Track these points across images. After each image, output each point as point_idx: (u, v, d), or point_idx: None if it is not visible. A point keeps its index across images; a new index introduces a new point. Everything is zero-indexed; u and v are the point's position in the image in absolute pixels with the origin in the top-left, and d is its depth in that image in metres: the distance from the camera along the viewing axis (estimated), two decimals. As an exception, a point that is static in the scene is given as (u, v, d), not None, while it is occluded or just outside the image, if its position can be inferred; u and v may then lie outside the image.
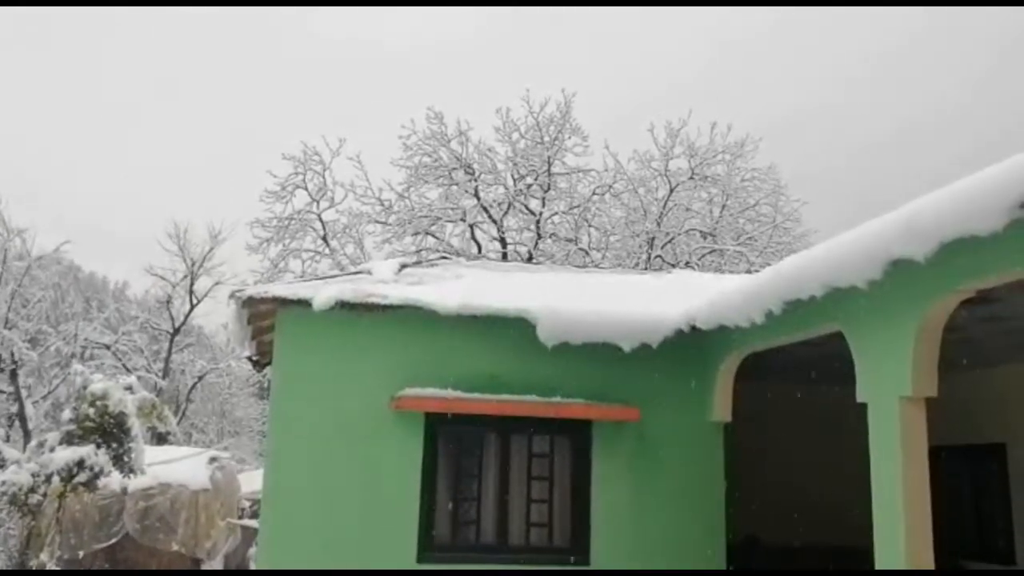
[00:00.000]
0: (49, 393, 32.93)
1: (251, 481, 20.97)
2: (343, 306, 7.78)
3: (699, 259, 26.11)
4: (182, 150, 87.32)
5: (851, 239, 5.23)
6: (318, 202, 26.28)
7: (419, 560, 7.72)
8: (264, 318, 8.29)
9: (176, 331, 36.60)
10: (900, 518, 5.13)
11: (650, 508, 8.13)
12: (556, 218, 26.63)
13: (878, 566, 5.35)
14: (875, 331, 5.56)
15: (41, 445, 14.77)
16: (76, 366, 16.97)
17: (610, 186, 26.74)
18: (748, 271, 23.69)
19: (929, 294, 5.06)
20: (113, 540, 16.11)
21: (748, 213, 27.49)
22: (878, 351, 5.53)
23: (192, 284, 36.17)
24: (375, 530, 7.71)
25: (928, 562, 5.10)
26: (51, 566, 14.31)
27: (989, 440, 9.97)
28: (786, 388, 10.41)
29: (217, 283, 35.54)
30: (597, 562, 7.97)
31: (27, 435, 28.27)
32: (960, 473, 10.58)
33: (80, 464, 13.76)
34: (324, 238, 26.37)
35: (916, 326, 5.15)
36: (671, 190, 26.77)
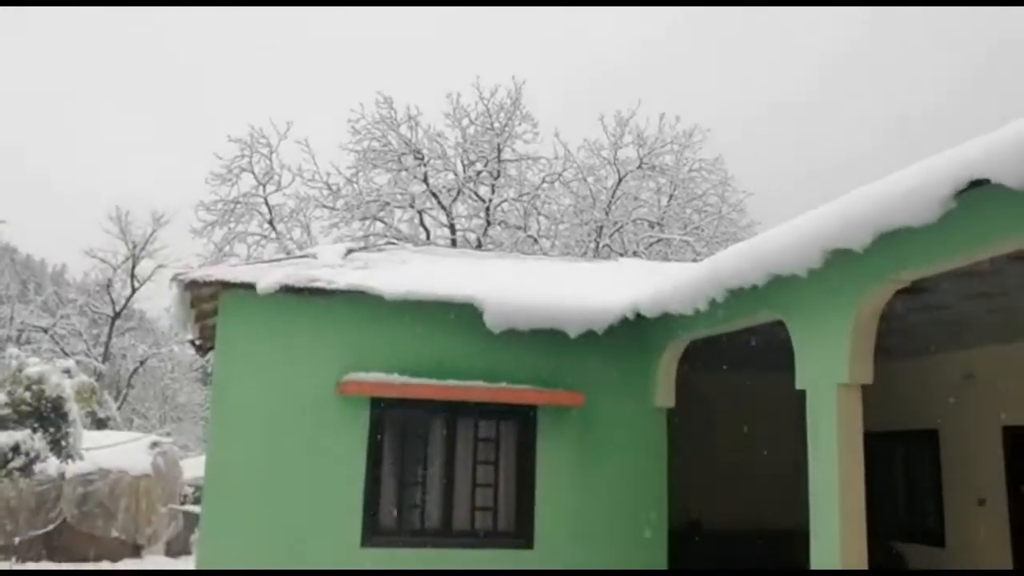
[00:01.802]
0: (-17, 377, 32.03)
1: (194, 467, 20.66)
2: (288, 290, 7.71)
3: (646, 248, 26.34)
4: (124, 130, 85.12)
5: (790, 229, 5.33)
6: (264, 186, 25.90)
7: (363, 544, 7.72)
8: (207, 301, 8.18)
9: (117, 315, 35.84)
10: (835, 501, 5.26)
11: (594, 492, 8.22)
12: (505, 205, 26.62)
13: (812, 547, 5.49)
14: (814, 319, 5.68)
15: (-26, 430, 14.35)
16: (12, 349, 16.55)
17: (559, 174, 26.82)
18: (694, 260, 23.98)
19: (866, 283, 5.18)
20: (50, 527, 15.79)
21: (695, 203, 27.78)
22: (817, 339, 5.65)
23: (134, 267, 35.45)
24: (319, 514, 7.68)
25: (861, 543, 5.24)
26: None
27: (922, 427, 10.27)
28: (729, 375, 10.59)
29: (160, 266, 34.84)
30: (540, 545, 8.04)
31: (-41, 420, 27.44)
32: (894, 458, 10.89)
33: (15, 449, 13.43)
34: (271, 222, 26.00)
35: (853, 315, 5.27)
36: (620, 179, 26.94)
